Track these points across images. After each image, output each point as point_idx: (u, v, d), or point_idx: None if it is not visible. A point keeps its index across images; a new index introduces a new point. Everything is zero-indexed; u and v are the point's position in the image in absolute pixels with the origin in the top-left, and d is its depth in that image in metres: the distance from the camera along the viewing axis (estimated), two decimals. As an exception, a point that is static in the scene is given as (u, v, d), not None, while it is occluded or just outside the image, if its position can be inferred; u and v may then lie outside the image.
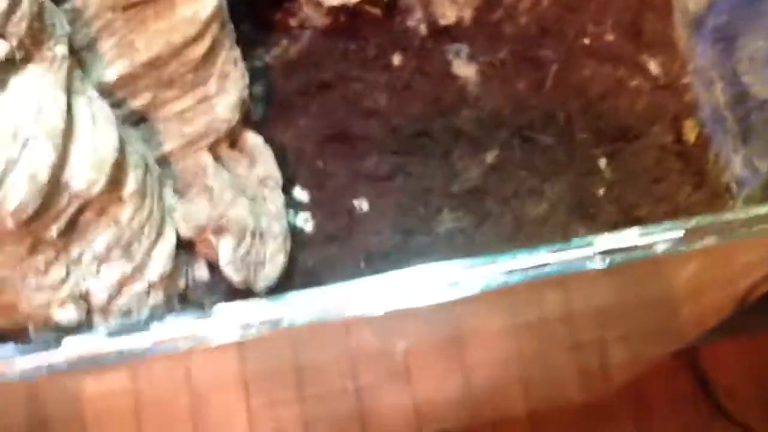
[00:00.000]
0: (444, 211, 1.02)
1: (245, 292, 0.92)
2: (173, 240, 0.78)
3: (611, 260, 0.64)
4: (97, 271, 0.71)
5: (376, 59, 1.05)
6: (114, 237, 0.70)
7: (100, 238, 0.69)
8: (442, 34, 1.07)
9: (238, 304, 0.65)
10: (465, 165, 1.02)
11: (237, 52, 0.84)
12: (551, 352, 1.66)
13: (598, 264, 0.64)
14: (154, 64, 0.70)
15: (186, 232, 0.80)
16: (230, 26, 0.83)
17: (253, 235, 0.86)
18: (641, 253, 0.65)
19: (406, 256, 1.02)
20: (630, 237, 0.65)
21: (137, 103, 0.73)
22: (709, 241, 0.66)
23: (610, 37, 1.07)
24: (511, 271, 0.63)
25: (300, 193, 1.07)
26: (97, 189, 0.64)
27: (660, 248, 0.65)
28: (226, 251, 0.83)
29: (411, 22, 1.07)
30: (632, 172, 1.00)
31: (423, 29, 1.07)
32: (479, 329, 1.53)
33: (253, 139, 0.92)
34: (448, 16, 1.05)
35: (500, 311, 1.26)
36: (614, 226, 0.99)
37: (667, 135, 1.00)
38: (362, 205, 1.06)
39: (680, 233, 0.65)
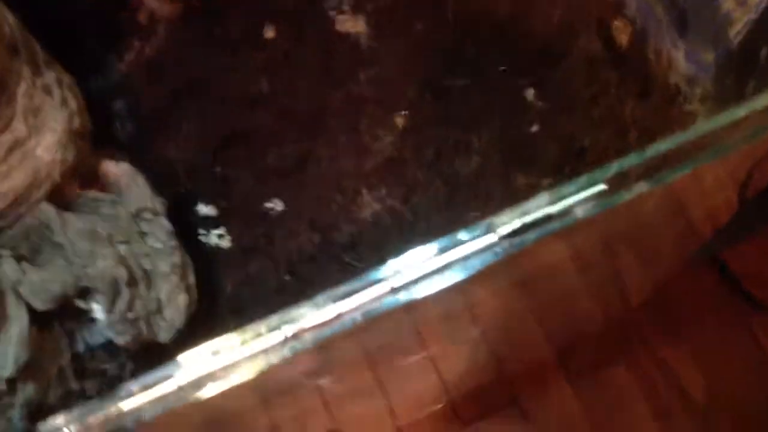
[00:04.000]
0: (363, 192, 0.88)
1: (154, 346, 0.79)
2: (24, 322, 0.64)
3: (521, 241, 0.50)
4: (-76, 392, 0.57)
5: (245, 38, 0.90)
6: (-72, 347, 0.56)
7: None
8: (316, -11, 0.92)
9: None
10: (375, 135, 0.87)
11: (52, 76, 0.68)
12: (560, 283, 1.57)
13: (508, 249, 0.50)
14: None
15: (42, 306, 0.66)
16: (34, 47, 0.68)
17: (133, 283, 0.72)
18: (558, 224, 0.50)
19: (332, 254, 0.88)
20: (537, 207, 0.50)
21: None
22: (640, 187, 0.51)
23: (505, -55, 0.91)
24: (394, 289, 0.49)
25: (205, 209, 0.92)
26: None
27: (579, 212, 0.50)
28: (99, 314, 0.69)
29: (276, -15, 0.91)
30: (565, 96, 0.85)
31: (293, -10, 0.91)
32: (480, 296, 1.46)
33: (113, 168, 0.77)
34: (313, -33, 0.89)
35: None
36: (559, 165, 0.85)
37: (595, 44, 0.85)
38: (276, 206, 0.91)
39: (600, 186, 0.51)
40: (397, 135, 0.87)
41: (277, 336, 0.48)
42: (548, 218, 0.50)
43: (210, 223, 0.92)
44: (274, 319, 0.49)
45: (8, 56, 0.61)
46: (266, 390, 1.10)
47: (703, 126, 0.50)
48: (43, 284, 0.66)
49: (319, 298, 0.48)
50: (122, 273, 0.70)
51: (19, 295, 0.65)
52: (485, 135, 0.86)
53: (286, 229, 0.90)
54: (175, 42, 0.90)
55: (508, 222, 0.50)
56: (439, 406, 1.53)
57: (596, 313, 1.57)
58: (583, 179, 0.50)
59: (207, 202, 0.92)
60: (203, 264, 0.90)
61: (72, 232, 0.68)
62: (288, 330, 0.48)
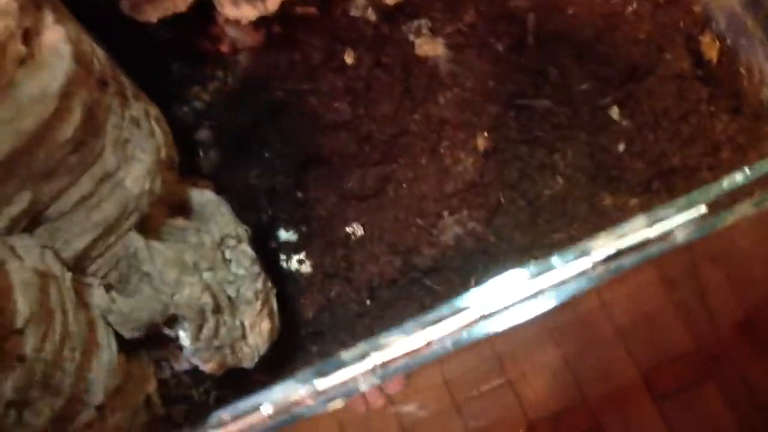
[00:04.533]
0: (445, 215, 0.87)
1: (238, 371, 0.79)
2: (113, 349, 0.65)
3: (617, 267, 0.48)
4: (19, 420, 0.59)
5: (326, 64, 0.90)
6: (23, 377, 0.57)
7: (5, 384, 0.56)
8: (395, 13, 0.92)
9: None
10: (456, 157, 0.87)
11: (140, 108, 0.70)
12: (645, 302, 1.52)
13: (604, 275, 0.48)
14: (13, 162, 0.57)
15: (130, 334, 0.67)
16: (122, 80, 0.70)
17: (218, 310, 0.72)
18: (657, 248, 0.48)
19: (414, 278, 0.87)
20: (633, 230, 0.49)
21: (16, 208, 0.60)
22: (745, 209, 0.48)
23: (587, -38, 0.89)
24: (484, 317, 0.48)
25: (286, 234, 0.93)
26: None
27: (680, 236, 0.48)
28: (186, 341, 0.70)
29: (354, 11, 0.91)
30: (652, 114, 0.82)
31: (371, 14, 0.91)
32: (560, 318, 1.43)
33: (198, 197, 0.78)
34: (393, -8, 0.89)
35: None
36: (647, 185, 0.82)
37: (683, 60, 0.82)
38: (356, 230, 0.91)
39: (701, 209, 0.48)
40: (478, 157, 0.86)
41: (367, 364, 0.48)
42: (646, 242, 0.48)
43: (291, 248, 0.93)
44: (362, 346, 0.48)
45: (98, 90, 0.62)
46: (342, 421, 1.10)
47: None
48: (132, 313, 0.67)
49: (409, 325, 0.48)
50: (208, 300, 0.71)
51: (108, 324, 0.66)
52: (570, 155, 0.84)
53: (366, 253, 0.89)
54: (257, 69, 0.91)
55: (604, 246, 0.48)
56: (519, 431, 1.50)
57: (682, 334, 1.52)
58: (682, 200, 0.48)
59: (288, 228, 0.93)
60: (284, 289, 0.90)
61: (160, 261, 0.69)
62: (377, 358, 0.47)
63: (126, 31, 0.82)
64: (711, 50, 0.81)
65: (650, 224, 0.47)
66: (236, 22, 0.84)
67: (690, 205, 0.47)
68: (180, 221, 0.76)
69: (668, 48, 0.83)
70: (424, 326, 0.47)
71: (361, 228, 0.91)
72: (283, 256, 0.93)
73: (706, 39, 0.82)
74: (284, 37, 0.90)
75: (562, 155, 0.83)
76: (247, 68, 0.91)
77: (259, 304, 0.78)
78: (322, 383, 0.46)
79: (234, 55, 0.91)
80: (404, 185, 0.89)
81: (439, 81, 0.90)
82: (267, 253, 0.92)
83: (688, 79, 0.80)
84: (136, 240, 0.69)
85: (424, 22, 0.91)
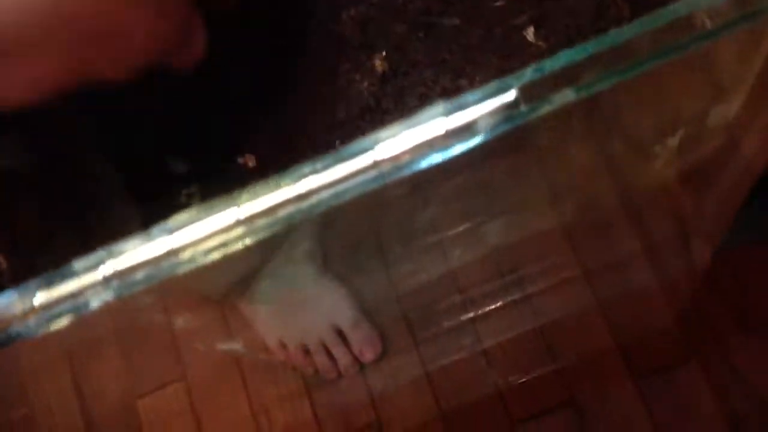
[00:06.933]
0: (337, 145, 0.78)
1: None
2: None
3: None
4: None
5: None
6: None
7: None
8: None
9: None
10: (351, 80, 0.77)
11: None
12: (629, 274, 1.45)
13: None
14: None
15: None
16: None
17: None
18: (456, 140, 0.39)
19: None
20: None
21: None
22: (564, 96, 0.39)
23: None
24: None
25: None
26: None
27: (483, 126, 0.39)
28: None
29: None
30: (569, 36, 0.72)
31: None
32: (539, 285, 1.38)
33: None
34: None
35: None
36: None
37: (608, -27, 0.71)
38: (249, 161, 0.83)
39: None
40: (375, 80, 0.76)
41: (99, 274, 0.39)
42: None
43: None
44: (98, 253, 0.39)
45: None
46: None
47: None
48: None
49: (155, 230, 0.39)
50: None
51: None
52: (478, 81, 0.74)
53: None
54: None
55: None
56: (488, 399, 1.43)
57: (667, 307, 1.43)
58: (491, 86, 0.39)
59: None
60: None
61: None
62: (112, 266, 0.39)
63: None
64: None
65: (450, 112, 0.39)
66: None
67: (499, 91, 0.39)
68: None
69: (594, -41, 0.72)
70: (171, 232, 0.39)
71: (255, 160, 0.83)
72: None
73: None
74: None
75: (468, 81, 0.73)
76: None
77: None
78: (44, 297, 0.38)
79: None
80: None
81: (344, -4, 0.80)
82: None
83: (611, -7, 0.70)
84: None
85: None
